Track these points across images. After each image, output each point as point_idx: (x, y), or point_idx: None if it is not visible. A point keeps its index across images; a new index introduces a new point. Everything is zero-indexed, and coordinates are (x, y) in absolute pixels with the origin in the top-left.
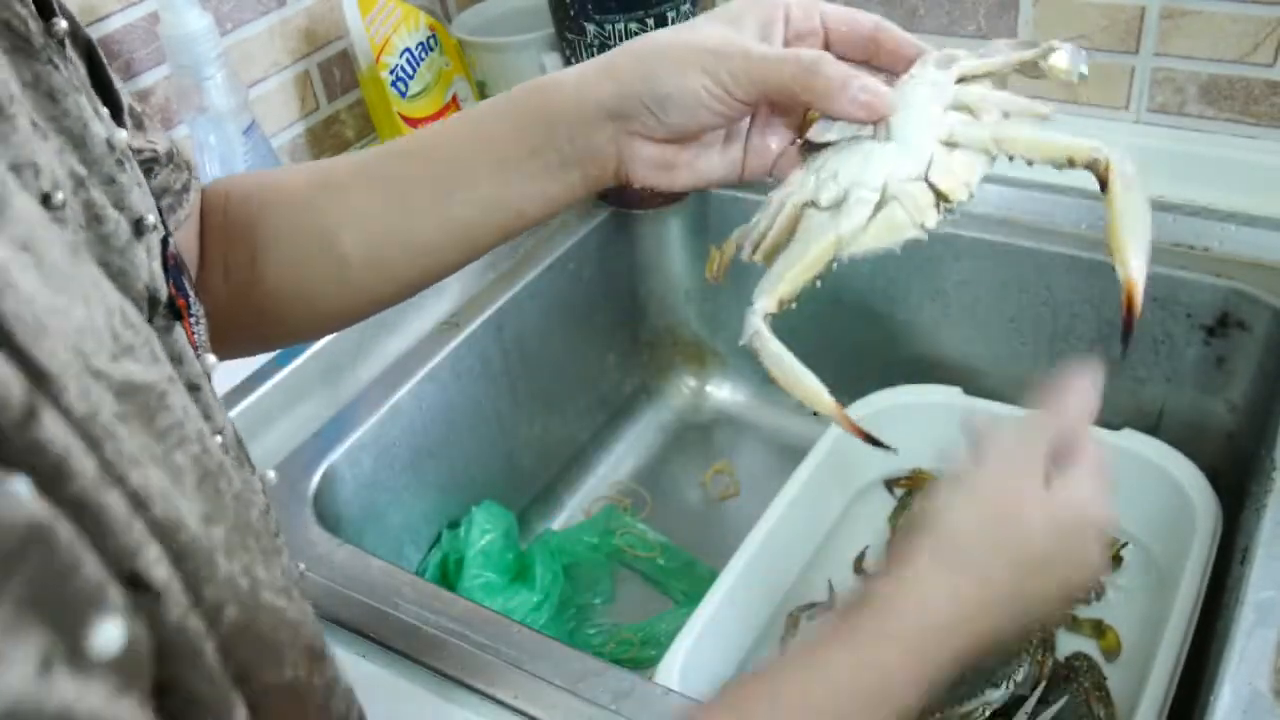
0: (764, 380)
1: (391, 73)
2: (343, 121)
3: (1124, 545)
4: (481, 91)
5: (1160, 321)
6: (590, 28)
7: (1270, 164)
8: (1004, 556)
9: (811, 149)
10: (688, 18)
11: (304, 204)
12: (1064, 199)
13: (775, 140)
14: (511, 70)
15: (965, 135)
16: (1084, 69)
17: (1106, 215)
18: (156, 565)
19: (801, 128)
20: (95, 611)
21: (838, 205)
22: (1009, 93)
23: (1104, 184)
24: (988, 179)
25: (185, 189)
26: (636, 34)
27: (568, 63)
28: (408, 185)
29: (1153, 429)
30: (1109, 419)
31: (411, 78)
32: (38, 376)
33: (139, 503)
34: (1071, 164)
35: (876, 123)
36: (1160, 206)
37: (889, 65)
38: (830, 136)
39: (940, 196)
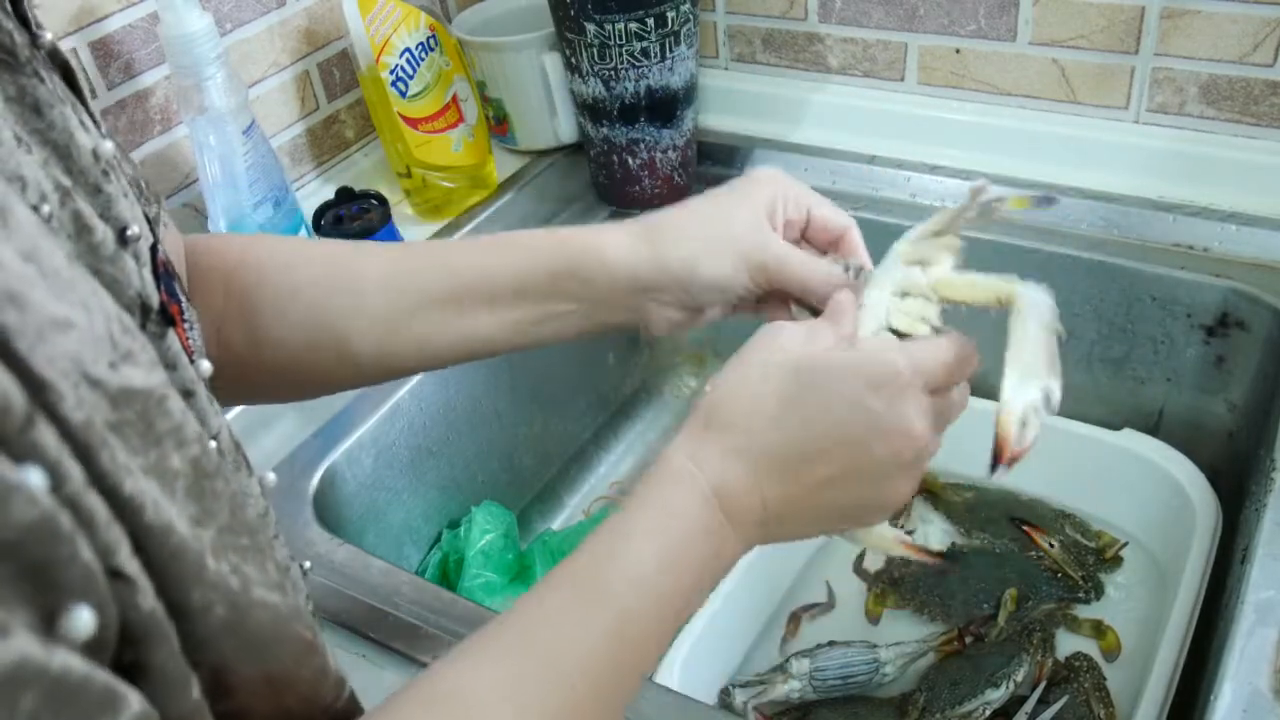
0: None
1: (391, 73)
2: (343, 121)
3: (1124, 545)
4: (481, 91)
5: (1160, 321)
6: (590, 27)
7: (1270, 164)
8: (818, 475)
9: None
10: (688, 18)
11: (319, 298)
12: (1063, 199)
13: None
14: (511, 70)
15: (910, 283)
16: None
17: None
18: (130, 560)
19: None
20: (76, 600)
21: None
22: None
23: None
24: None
25: (155, 219)
26: (636, 34)
27: (568, 63)
28: (429, 297)
29: (1153, 429)
30: (1109, 419)
31: (411, 78)
32: (36, 385)
33: (131, 509)
34: (999, 304)
35: None
36: (1160, 206)
37: (842, 252)
38: None
39: (902, 336)
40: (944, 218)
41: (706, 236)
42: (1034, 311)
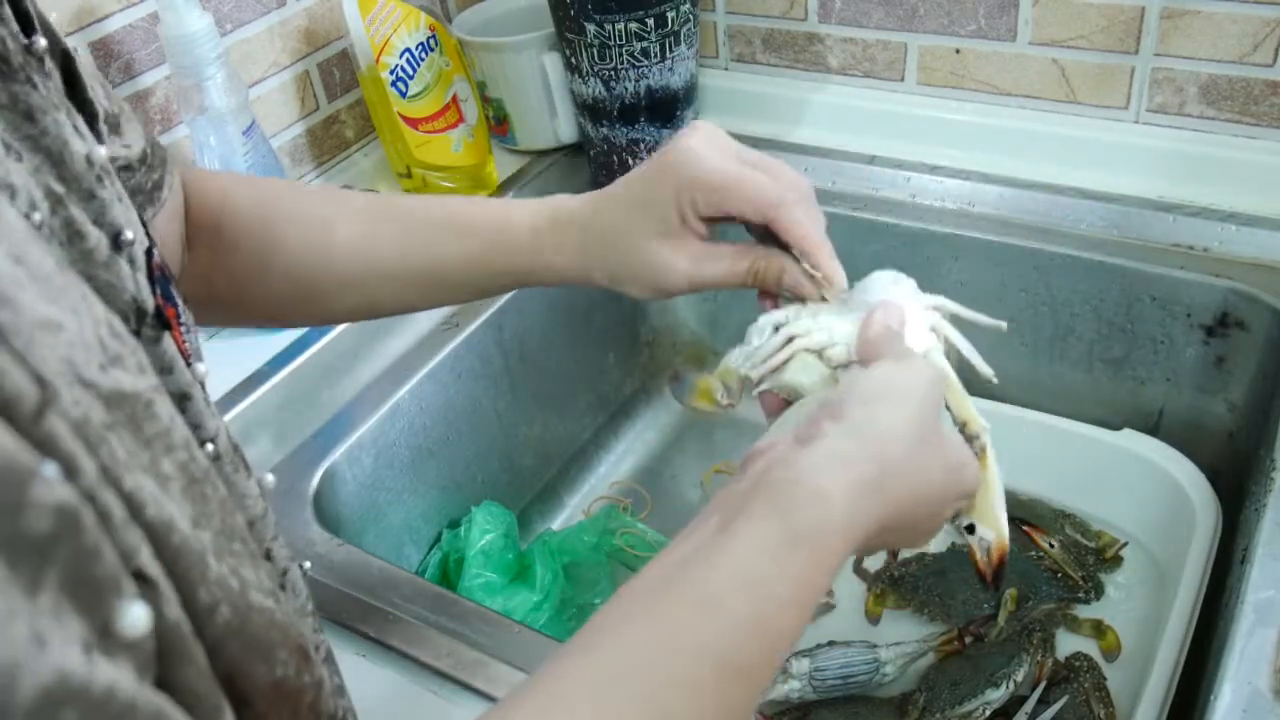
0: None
1: (391, 73)
2: (343, 121)
3: (1124, 545)
4: (481, 91)
5: (1160, 321)
6: (590, 28)
7: (1270, 164)
8: (909, 485)
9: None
10: (688, 18)
11: (294, 263)
12: (1063, 199)
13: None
14: (511, 70)
15: (931, 360)
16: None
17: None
18: (152, 563)
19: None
20: (117, 595)
21: (843, 365)
22: (970, 346)
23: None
24: (988, 179)
25: (158, 186)
26: (636, 34)
27: (568, 63)
28: (391, 275)
29: (1153, 429)
30: (1109, 419)
31: (411, 78)
32: (37, 381)
33: (133, 506)
34: (964, 427)
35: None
36: (1160, 206)
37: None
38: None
39: None
40: (960, 313)
41: (620, 258)
42: (999, 472)
